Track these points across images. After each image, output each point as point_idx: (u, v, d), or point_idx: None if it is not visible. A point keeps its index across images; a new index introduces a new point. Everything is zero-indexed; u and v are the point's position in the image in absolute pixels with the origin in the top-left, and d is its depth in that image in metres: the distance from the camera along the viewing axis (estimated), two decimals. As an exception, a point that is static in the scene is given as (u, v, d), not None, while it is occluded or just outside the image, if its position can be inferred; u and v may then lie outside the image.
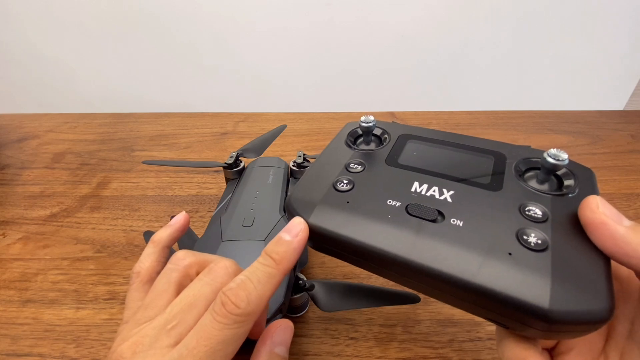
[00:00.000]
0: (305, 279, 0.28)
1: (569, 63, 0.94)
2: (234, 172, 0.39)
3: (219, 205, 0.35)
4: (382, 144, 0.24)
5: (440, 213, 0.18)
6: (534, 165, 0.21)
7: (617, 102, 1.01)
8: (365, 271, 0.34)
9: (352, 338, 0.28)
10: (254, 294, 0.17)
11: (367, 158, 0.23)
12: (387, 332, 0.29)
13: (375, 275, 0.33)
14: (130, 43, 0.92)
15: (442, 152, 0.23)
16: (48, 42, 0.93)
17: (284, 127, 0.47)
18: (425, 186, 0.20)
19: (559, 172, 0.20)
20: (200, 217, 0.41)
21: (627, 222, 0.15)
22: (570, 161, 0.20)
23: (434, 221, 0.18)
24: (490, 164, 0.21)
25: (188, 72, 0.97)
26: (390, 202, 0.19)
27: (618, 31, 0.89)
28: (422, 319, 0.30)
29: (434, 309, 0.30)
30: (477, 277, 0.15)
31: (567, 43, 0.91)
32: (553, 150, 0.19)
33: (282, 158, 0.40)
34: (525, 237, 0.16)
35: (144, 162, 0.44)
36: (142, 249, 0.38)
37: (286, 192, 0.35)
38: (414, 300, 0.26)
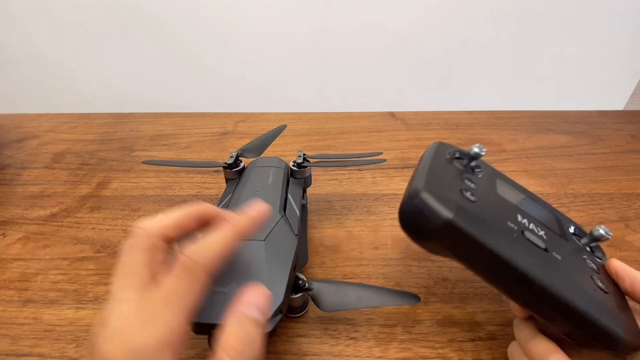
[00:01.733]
0: (305, 279, 0.28)
1: (569, 63, 0.94)
2: (234, 172, 0.38)
3: (219, 206, 0.35)
4: (475, 173, 0.26)
5: (545, 249, 0.21)
6: (583, 231, 0.27)
7: (617, 102, 1.01)
8: (365, 271, 0.34)
9: (352, 338, 0.28)
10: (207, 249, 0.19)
11: (476, 180, 0.25)
12: (387, 332, 0.29)
13: (375, 276, 0.33)
14: (131, 43, 0.93)
15: (522, 197, 0.26)
16: (48, 42, 0.93)
17: (284, 127, 0.47)
18: (525, 220, 0.23)
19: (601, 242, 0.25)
20: (200, 217, 0.41)
21: None
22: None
23: (545, 250, 0.21)
24: (554, 219, 0.26)
25: (188, 72, 0.97)
26: (509, 224, 0.21)
27: (618, 31, 0.89)
28: (422, 319, 0.30)
29: (434, 309, 0.30)
30: (583, 303, 0.19)
31: (567, 43, 0.91)
32: (604, 227, 0.24)
33: (282, 158, 0.40)
34: (598, 282, 0.21)
35: (143, 162, 0.44)
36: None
37: (286, 192, 0.34)
38: (414, 299, 0.27)
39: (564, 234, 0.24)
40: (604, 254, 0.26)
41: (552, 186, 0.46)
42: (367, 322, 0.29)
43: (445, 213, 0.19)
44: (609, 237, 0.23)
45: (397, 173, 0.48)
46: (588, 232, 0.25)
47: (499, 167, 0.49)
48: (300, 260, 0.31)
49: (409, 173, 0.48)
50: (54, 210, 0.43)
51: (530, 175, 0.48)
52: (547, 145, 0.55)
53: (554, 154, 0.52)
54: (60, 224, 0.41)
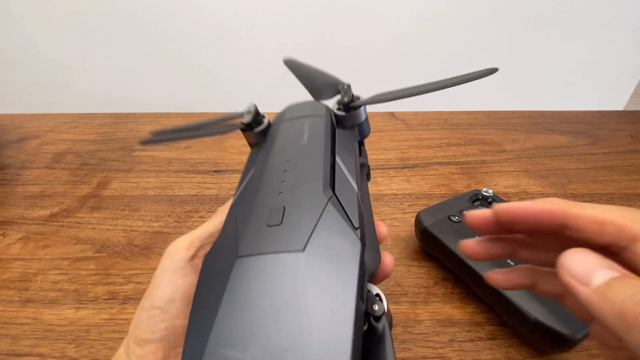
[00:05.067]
0: (381, 293, 0.18)
1: (568, 63, 0.94)
2: (258, 133, 0.26)
3: (239, 189, 0.22)
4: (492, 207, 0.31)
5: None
6: None
7: (617, 102, 1.01)
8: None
9: (352, 338, 0.28)
10: None
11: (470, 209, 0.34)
12: (387, 332, 0.29)
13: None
14: (130, 43, 0.92)
15: None
16: (48, 42, 0.93)
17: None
18: None
19: None
20: (200, 217, 0.41)
21: (598, 279, 0.13)
22: None
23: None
24: None
25: (188, 72, 0.97)
26: (478, 237, 0.25)
27: (618, 31, 0.89)
28: (422, 319, 0.30)
29: (434, 309, 0.30)
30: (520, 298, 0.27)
31: (567, 43, 0.91)
32: None
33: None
34: None
35: (141, 143, 0.28)
36: (142, 249, 0.38)
37: (333, 153, 0.21)
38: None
39: None
40: None
41: (552, 186, 0.46)
42: (367, 322, 0.29)
43: (424, 223, 0.34)
44: None
45: (397, 173, 0.48)
46: None
47: (498, 167, 0.49)
48: (369, 262, 0.18)
49: (409, 173, 0.48)
50: (54, 210, 0.43)
51: (530, 175, 0.48)
52: (547, 145, 0.55)
53: (554, 154, 0.52)
54: (60, 224, 0.41)
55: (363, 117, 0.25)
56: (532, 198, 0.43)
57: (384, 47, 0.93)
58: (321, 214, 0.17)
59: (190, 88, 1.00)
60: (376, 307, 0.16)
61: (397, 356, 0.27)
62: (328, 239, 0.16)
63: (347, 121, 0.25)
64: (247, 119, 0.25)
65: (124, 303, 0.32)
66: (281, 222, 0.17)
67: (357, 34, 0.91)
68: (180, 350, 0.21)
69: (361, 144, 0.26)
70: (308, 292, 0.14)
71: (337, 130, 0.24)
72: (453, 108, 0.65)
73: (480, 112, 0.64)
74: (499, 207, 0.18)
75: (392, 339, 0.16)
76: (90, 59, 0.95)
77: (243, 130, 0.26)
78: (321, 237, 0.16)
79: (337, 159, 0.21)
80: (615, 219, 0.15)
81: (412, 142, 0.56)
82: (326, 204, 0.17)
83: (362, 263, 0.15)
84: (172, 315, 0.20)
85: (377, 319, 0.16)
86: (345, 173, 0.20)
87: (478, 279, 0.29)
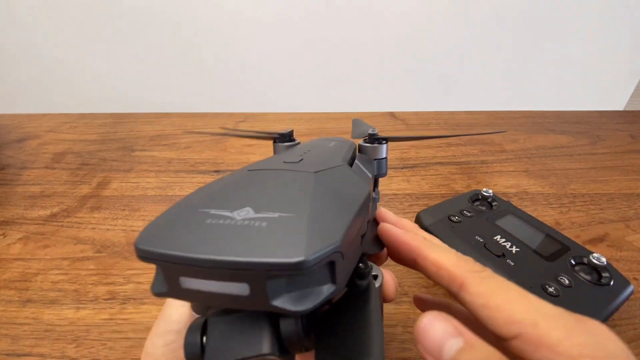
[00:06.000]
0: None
1: (568, 63, 0.94)
2: (286, 146, 0.27)
3: None
4: (492, 207, 0.36)
5: (503, 255, 0.29)
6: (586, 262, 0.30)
7: (617, 102, 1.01)
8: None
9: (352, 338, 0.28)
10: None
11: (477, 212, 0.35)
12: (387, 332, 0.29)
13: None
14: (131, 43, 0.93)
15: (524, 226, 0.33)
16: (48, 42, 0.93)
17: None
18: (503, 240, 0.31)
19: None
20: (200, 217, 0.41)
21: (447, 354, 0.13)
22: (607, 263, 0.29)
23: (498, 256, 0.29)
24: (558, 247, 0.31)
25: (188, 72, 0.97)
26: (477, 237, 0.31)
27: (618, 31, 0.89)
28: (422, 319, 0.30)
29: (434, 309, 0.30)
30: None
31: (567, 43, 0.91)
32: (596, 255, 0.29)
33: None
34: (548, 287, 0.27)
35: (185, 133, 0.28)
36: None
37: (353, 157, 0.23)
38: None
39: (553, 258, 0.29)
40: (603, 276, 0.28)
41: (552, 186, 0.46)
42: (367, 322, 0.29)
43: (425, 222, 0.34)
44: (603, 264, 0.28)
45: (397, 173, 0.48)
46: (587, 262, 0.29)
47: (498, 167, 0.49)
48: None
49: (409, 173, 0.48)
50: (54, 210, 0.43)
51: (530, 175, 0.48)
52: (547, 145, 0.55)
53: (554, 154, 0.52)
54: (60, 224, 0.41)
55: (383, 155, 0.26)
56: (532, 198, 0.43)
57: (384, 47, 0.93)
58: (337, 166, 0.18)
59: (190, 88, 1.00)
60: (361, 265, 0.16)
61: (397, 356, 0.27)
62: (340, 174, 0.17)
63: (369, 152, 0.26)
64: (284, 131, 0.28)
65: (124, 303, 0.32)
66: (299, 161, 0.18)
67: (357, 34, 0.91)
68: None
69: (376, 181, 0.27)
70: (309, 191, 0.14)
71: (358, 154, 0.25)
72: (453, 108, 0.65)
73: (480, 112, 0.64)
74: (382, 225, 0.19)
75: (380, 301, 0.16)
76: (90, 59, 0.96)
77: (276, 141, 0.28)
78: (335, 173, 0.17)
79: (357, 161, 0.23)
80: (448, 265, 0.16)
81: (412, 142, 0.56)
82: (342, 165, 0.18)
83: (369, 194, 0.16)
84: None
85: (361, 276, 0.16)
86: (363, 169, 0.22)
87: None
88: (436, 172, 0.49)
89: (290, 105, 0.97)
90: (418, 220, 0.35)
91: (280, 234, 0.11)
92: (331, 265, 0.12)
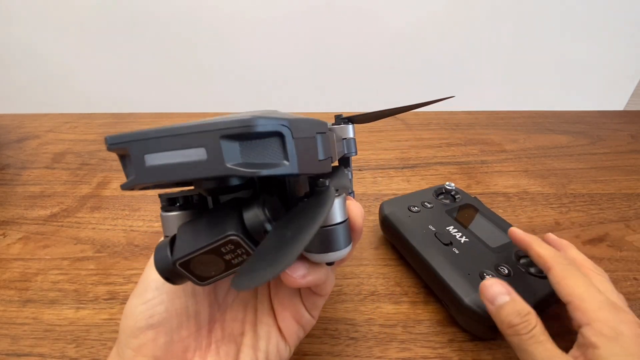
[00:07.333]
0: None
1: (568, 63, 0.94)
2: None
3: None
4: (455, 201, 0.37)
5: (451, 243, 0.31)
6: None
7: (617, 102, 1.01)
8: (365, 271, 0.34)
9: (352, 338, 0.28)
10: None
11: (438, 205, 0.36)
12: (387, 332, 0.29)
13: (375, 276, 0.33)
14: (131, 43, 0.93)
15: (481, 220, 0.34)
16: (48, 42, 0.93)
17: None
18: (455, 230, 0.33)
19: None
20: (200, 217, 0.41)
21: (498, 302, 0.23)
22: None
23: (445, 244, 0.31)
24: (508, 241, 0.31)
25: (188, 72, 0.97)
26: (430, 226, 0.33)
27: (618, 31, 0.89)
28: (422, 319, 0.30)
29: (434, 309, 0.30)
30: (449, 279, 0.28)
31: (567, 43, 0.91)
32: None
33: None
34: (484, 273, 0.28)
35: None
36: (142, 249, 0.38)
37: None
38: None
39: (499, 250, 0.31)
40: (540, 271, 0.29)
41: (552, 186, 0.46)
42: (367, 322, 0.29)
43: (386, 211, 0.35)
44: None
45: (397, 173, 0.48)
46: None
47: (498, 167, 0.49)
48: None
49: (409, 173, 0.48)
50: (54, 210, 0.43)
51: (530, 175, 0.48)
52: (547, 145, 0.55)
53: (554, 154, 0.52)
54: (60, 224, 0.41)
55: (351, 134, 0.29)
56: (532, 198, 0.43)
57: (384, 47, 0.93)
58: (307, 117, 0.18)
59: (190, 88, 1.00)
60: (322, 179, 0.17)
61: (397, 356, 0.27)
62: (307, 120, 0.16)
63: (337, 132, 0.28)
64: None
65: (124, 303, 0.32)
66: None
67: (357, 34, 0.91)
68: (187, 332, 0.19)
69: (348, 162, 0.28)
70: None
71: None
72: (453, 108, 0.65)
73: (480, 112, 0.64)
74: (512, 230, 0.29)
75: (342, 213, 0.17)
76: (90, 59, 0.96)
77: None
78: (303, 119, 0.16)
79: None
80: (543, 256, 0.25)
81: (412, 142, 0.56)
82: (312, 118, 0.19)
83: (330, 128, 0.20)
84: (172, 294, 0.18)
85: (320, 184, 0.17)
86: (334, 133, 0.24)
87: (423, 263, 0.30)
88: (436, 172, 0.49)
89: (290, 105, 0.97)
90: (381, 209, 0.36)
91: (235, 117, 0.13)
92: (282, 140, 0.13)
